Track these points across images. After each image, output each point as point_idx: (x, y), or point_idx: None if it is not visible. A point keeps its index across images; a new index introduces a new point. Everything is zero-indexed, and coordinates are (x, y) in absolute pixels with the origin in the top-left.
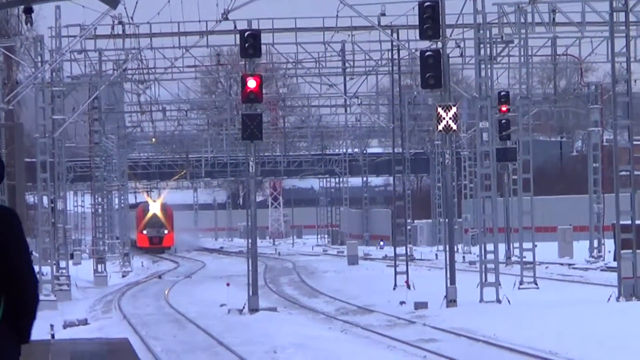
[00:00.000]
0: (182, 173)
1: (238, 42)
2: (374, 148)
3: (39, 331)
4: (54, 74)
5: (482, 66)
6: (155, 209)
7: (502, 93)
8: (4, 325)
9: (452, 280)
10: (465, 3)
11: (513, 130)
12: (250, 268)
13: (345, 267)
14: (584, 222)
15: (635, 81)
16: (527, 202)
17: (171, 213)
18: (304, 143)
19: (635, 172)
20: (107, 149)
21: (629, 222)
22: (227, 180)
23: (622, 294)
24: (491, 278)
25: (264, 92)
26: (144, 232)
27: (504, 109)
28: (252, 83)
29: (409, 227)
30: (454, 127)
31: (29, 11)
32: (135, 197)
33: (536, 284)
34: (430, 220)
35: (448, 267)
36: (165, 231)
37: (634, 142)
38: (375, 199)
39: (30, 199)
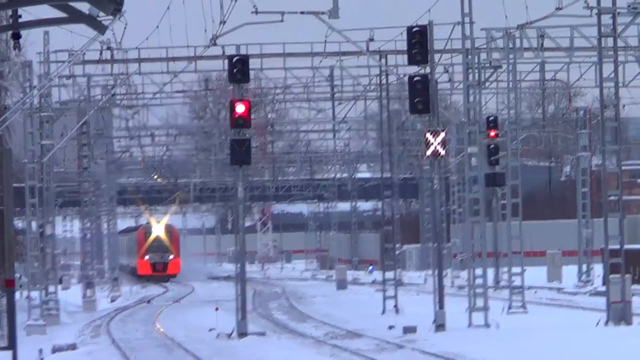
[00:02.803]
0: (177, 195)
1: (226, 67)
2: (363, 173)
3: (28, 356)
4: (42, 99)
5: (471, 91)
6: (158, 231)
7: (491, 118)
8: None
9: (441, 305)
10: (454, 28)
11: (502, 155)
12: (239, 292)
13: (334, 291)
14: (573, 246)
15: (623, 106)
16: (516, 227)
17: (177, 236)
18: (292, 168)
19: (624, 197)
20: (95, 174)
21: (618, 246)
22: (215, 205)
23: (610, 318)
24: (480, 302)
25: (252, 117)
26: (146, 257)
27: (492, 134)
28: (240, 108)
29: (397, 252)
30: (443, 152)
31: (17, 36)
32: (136, 221)
33: (525, 309)
34: (419, 245)
35: (437, 292)
36: (171, 256)
37: (623, 168)
38: (364, 224)
39: (19, 224)
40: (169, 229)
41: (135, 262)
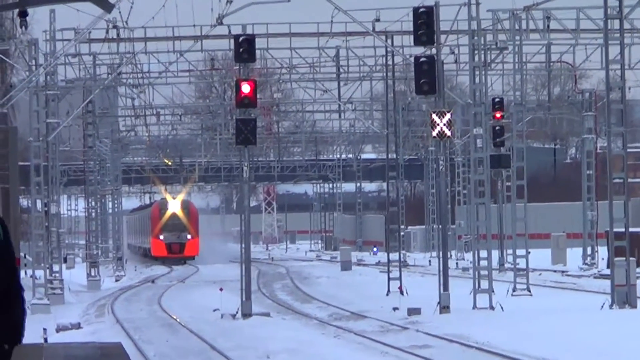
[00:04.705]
0: (188, 174)
1: (232, 46)
2: (368, 154)
3: (32, 335)
4: (48, 77)
5: (477, 72)
6: (175, 207)
7: (496, 99)
8: None
9: (446, 287)
10: (460, 9)
11: (507, 136)
12: (243, 273)
13: (338, 272)
14: (578, 229)
15: (629, 88)
16: (521, 209)
17: (196, 213)
18: (297, 148)
19: (629, 180)
20: (100, 153)
21: (623, 229)
22: (220, 185)
23: (615, 301)
24: (484, 284)
25: (258, 97)
26: (161, 237)
27: (498, 115)
28: (246, 88)
29: (402, 233)
30: (448, 133)
31: (23, 14)
32: (150, 198)
33: (529, 291)
34: (423, 227)
35: (441, 274)
36: (189, 236)
37: (628, 150)
38: (368, 205)
39: (24, 202)
40: (186, 205)
41: (148, 242)
